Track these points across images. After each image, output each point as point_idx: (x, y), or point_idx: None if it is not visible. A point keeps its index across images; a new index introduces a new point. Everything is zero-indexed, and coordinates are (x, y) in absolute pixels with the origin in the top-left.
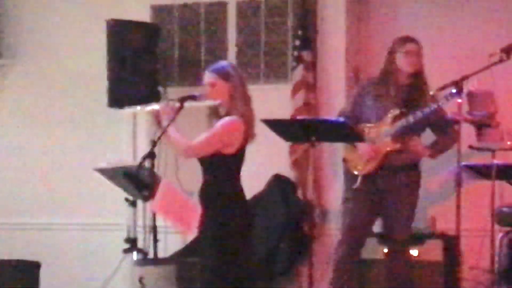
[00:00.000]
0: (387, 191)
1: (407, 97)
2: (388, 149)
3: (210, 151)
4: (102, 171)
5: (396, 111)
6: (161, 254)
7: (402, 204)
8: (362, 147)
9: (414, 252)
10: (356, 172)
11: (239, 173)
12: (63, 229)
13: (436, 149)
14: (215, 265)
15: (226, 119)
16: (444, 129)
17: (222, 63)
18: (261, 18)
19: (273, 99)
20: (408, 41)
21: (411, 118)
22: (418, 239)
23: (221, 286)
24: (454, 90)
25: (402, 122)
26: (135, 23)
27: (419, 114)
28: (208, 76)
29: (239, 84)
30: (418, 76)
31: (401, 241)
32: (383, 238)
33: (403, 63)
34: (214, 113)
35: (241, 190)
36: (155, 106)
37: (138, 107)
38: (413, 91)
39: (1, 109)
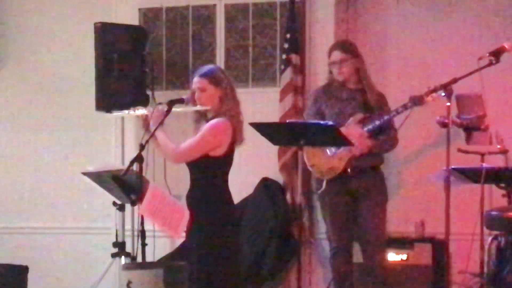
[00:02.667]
0: (358, 192)
1: (363, 100)
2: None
3: (198, 154)
4: (90, 175)
5: (359, 116)
6: (149, 258)
7: (373, 206)
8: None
9: (403, 256)
10: (320, 176)
11: (226, 176)
12: (51, 233)
13: (378, 145)
14: (202, 269)
15: (214, 121)
16: (387, 131)
17: (210, 67)
18: (249, 21)
19: (262, 103)
20: (332, 50)
21: (377, 122)
22: (407, 243)
23: None
24: (443, 94)
25: (370, 126)
26: (123, 27)
27: (386, 117)
28: (197, 81)
29: (229, 88)
30: (361, 79)
31: (376, 243)
32: (359, 241)
33: (334, 73)
34: (202, 116)
35: (229, 193)
36: (143, 111)
37: (126, 112)
38: (366, 94)
39: None
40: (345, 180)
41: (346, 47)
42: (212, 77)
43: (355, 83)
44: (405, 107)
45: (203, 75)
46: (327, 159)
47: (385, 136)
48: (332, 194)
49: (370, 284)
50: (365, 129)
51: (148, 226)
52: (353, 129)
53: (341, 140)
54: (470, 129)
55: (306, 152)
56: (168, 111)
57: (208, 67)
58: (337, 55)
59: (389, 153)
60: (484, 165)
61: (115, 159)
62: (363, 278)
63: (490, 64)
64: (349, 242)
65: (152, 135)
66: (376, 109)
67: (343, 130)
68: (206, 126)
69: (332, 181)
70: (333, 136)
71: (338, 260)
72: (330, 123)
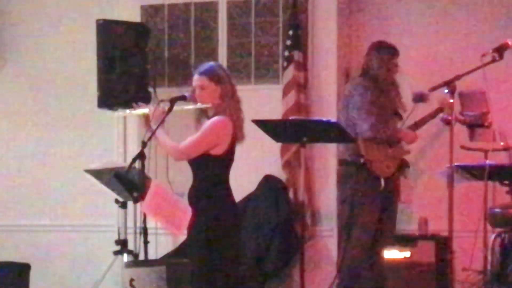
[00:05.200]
0: (391, 192)
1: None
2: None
3: (199, 152)
4: (92, 173)
5: (399, 115)
6: (151, 256)
7: (397, 203)
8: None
9: (406, 253)
10: (381, 174)
11: (227, 174)
12: (53, 231)
13: None
14: (204, 267)
15: (214, 118)
16: None
17: (210, 64)
18: (252, 18)
19: (264, 100)
20: (397, 52)
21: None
22: (411, 240)
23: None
24: (446, 90)
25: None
26: (125, 23)
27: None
28: (197, 79)
29: (229, 85)
30: None
31: (390, 240)
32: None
33: (390, 74)
34: (203, 114)
35: (230, 191)
36: (145, 110)
37: (128, 111)
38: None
39: None
40: (391, 180)
41: None
42: (212, 75)
43: None
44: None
45: (203, 73)
46: (384, 157)
47: None
48: (380, 194)
49: (374, 279)
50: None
51: (150, 223)
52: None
53: (344, 138)
54: (474, 126)
55: (364, 147)
56: (170, 108)
57: (208, 64)
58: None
59: None
60: (488, 162)
61: (117, 157)
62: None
63: (494, 60)
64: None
65: (154, 133)
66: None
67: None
68: (206, 124)
69: (386, 181)
70: (336, 133)
71: (363, 259)
72: (333, 120)
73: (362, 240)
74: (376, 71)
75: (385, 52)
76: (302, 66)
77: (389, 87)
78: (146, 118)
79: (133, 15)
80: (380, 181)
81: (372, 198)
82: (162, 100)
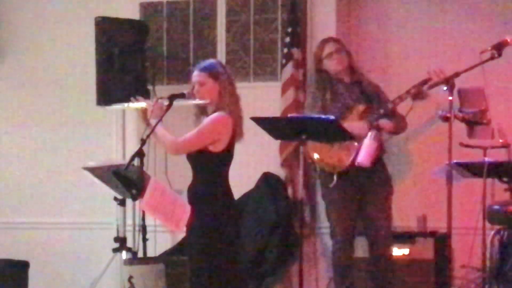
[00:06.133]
0: (367, 184)
1: (361, 92)
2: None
3: (198, 147)
4: (91, 170)
5: (361, 107)
6: (150, 253)
7: (382, 197)
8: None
9: (405, 250)
10: (332, 171)
11: (227, 171)
12: (52, 228)
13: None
14: (203, 264)
15: (214, 115)
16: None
17: (210, 61)
18: (251, 15)
19: (263, 97)
20: (325, 43)
21: (381, 110)
22: (409, 237)
23: (210, 286)
24: (445, 88)
25: (374, 116)
26: (124, 21)
27: (390, 105)
28: (197, 75)
29: (228, 82)
30: (355, 72)
31: (386, 235)
32: (366, 237)
33: (330, 65)
34: (202, 111)
35: (229, 189)
36: (142, 104)
37: (126, 104)
38: (361, 86)
39: None
40: (354, 173)
41: (337, 40)
42: (211, 71)
43: (349, 77)
44: (408, 93)
45: (203, 69)
46: (334, 152)
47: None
48: (341, 188)
49: (377, 277)
50: (370, 118)
51: (149, 221)
52: (357, 124)
53: (342, 135)
54: (472, 123)
55: (311, 147)
56: (169, 105)
57: (208, 61)
58: (332, 45)
59: (391, 147)
60: (486, 159)
61: (116, 154)
62: (367, 272)
63: (492, 57)
64: (352, 237)
65: (153, 130)
66: (374, 98)
67: (346, 124)
68: (206, 119)
69: (342, 174)
70: (334, 130)
71: (342, 255)
72: (332, 117)
73: (339, 235)
74: (316, 71)
75: (316, 50)
76: (301, 64)
77: (334, 79)
78: (143, 112)
79: (132, 13)
80: (333, 177)
81: (337, 194)
82: (160, 98)
